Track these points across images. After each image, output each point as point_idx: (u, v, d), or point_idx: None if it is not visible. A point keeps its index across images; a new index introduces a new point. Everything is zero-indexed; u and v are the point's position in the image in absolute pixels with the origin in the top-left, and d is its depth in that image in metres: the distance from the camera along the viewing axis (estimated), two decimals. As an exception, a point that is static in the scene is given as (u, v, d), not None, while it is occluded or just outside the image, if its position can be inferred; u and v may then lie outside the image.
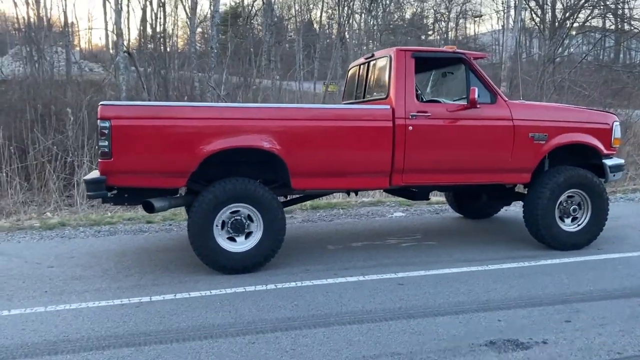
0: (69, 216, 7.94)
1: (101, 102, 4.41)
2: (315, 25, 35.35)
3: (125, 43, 25.73)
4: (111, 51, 21.39)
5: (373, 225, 6.84)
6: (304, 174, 4.80)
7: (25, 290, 4.33)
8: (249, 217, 4.71)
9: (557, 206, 5.40)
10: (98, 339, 3.40)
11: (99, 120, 4.34)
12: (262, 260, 4.73)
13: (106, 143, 4.34)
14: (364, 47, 26.74)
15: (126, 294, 4.22)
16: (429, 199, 5.82)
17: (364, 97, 5.85)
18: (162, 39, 24.06)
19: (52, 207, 9.25)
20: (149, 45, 23.61)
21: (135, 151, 4.39)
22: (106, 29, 24.16)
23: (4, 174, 10.25)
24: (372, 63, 5.75)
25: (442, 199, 8.12)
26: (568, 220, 5.51)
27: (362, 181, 5.07)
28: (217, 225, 4.63)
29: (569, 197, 5.48)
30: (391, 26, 31.30)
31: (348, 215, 7.58)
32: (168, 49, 23.44)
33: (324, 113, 4.90)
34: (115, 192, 4.80)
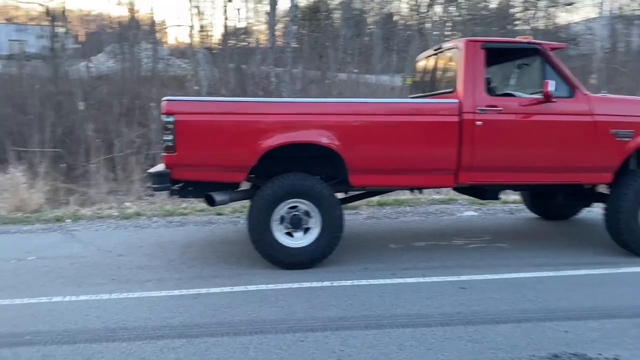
0: (146, 206, 8.31)
1: (165, 98, 4.53)
2: (395, 17, 34.80)
3: (207, 39, 26.65)
4: (194, 48, 22.17)
5: (440, 225, 6.60)
6: (363, 170, 4.69)
7: (94, 277, 4.55)
8: (307, 213, 4.68)
9: (641, 208, 4.94)
10: (154, 328, 3.50)
11: (163, 116, 4.47)
12: (319, 256, 4.69)
13: (170, 137, 4.45)
14: (445, 39, 25.98)
15: (186, 285, 4.33)
16: (498, 199, 5.51)
17: (431, 91, 5.63)
18: (243, 35, 24.67)
19: (134, 197, 9.73)
20: (230, 41, 24.30)
21: (198, 145, 4.48)
22: (191, 26, 25.06)
23: (93, 166, 10.92)
24: (440, 55, 5.52)
25: (518, 197, 7.69)
26: (655, 225, 5.02)
27: (426, 179, 4.88)
28: (275, 220, 4.63)
29: (657, 199, 4.98)
30: (475, 16, 30.19)
31: (415, 213, 7.37)
32: (250, 45, 24.01)
33: (384, 108, 4.75)
34: (181, 185, 4.94)
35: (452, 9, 27.04)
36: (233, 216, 7.13)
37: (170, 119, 4.43)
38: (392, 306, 3.86)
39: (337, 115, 4.61)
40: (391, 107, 4.76)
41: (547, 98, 4.67)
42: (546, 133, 4.81)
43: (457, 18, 27.74)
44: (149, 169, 11.25)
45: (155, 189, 4.56)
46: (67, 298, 4.06)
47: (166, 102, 4.49)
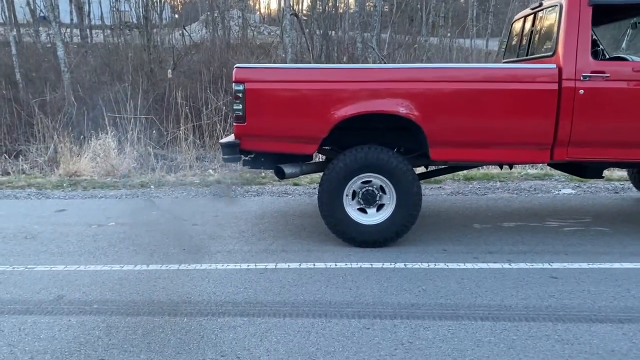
0: (228, 174, 8.38)
1: (236, 65, 4.36)
2: (491, -23, 32.59)
3: (298, 6, 26.47)
4: (282, 13, 22.10)
5: (533, 203, 6.03)
6: (445, 143, 4.28)
7: (167, 246, 4.56)
8: (381, 189, 4.37)
9: None
10: (217, 304, 3.40)
11: (233, 84, 4.30)
12: (393, 235, 4.38)
13: (240, 107, 4.29)
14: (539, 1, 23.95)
15: (254, 259, 4.21)
16: (602, 177, 4.88)
17: (527, 55, 5.04)
18: (331, 1, 24.22)
19: (218, 163, 9.88)
20: (319, 7, 23.97)
21: (267, 115, 4.29)
22: (279, -7, 24.97)
23: (181, 132, 11.20)
24: (539, 14, 4.89)
25: (625, 174, 6.88)
26: None
27: (516, 154, 4.38)
28: (347, 195, 4.37)
29: None
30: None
31: (505, 189, 6.81)
32: (339, 10, 23.58)
33: (470, 74, 4.26)
34: (252, 155, 4.80)
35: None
36: (309, 187, 6.96)
37: (241, 87, 4.25)
38: (471, 294, 3.50)
39: (417, 83, 4.21)
40: (478, 73, 4.26)
41: (669, 62, 3.98)
42: (665, 103, 4.12)
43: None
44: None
45: (225, 160, 4.44)
46: (138, 267, 4.08)
47: (236, 69, 4.32)
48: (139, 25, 17.84)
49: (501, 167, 5.49)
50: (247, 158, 4.78)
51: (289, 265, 4.05)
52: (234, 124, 4.38)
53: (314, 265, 4.06)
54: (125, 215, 5.67)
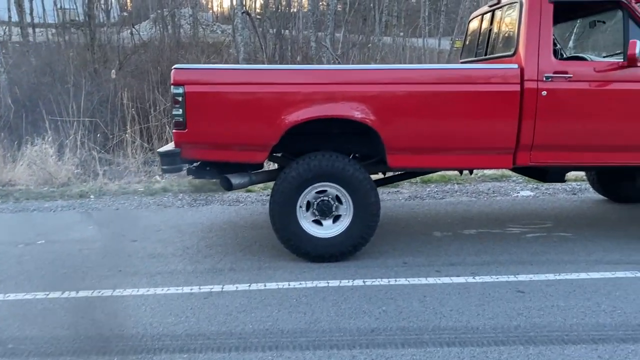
0: (175, 181, 7.88)
1: (175, 66, 3.95)
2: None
3: (249, 4, 25.92)
4: (234, 12, 21.55)
5: (492, 207, 5.85)
6: (403, 149, 4.01)
7: (100, 268, 4.10)
8: (338, 199, 4.05)
9: None
10: (153, 338, 2.99)
11: (172, 86, 3.89)
12: (351, 248, 4.07)
13: (180, 112, 3.89)
14: (496, -1, 24.33)
15: (199, 280, 3.82)
16: (564, 181, 4.72)
17: (486, 54, 4.83)
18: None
19: (168, 168, 9.34)
20: (272, 6, 23.54)
21: (211, 121, 3.90)
22: (231, -10, 24.39)
23: (128, 135, 10.59)
24: (497, 12, 4.69)
25: (582, 175, 6.81)
26: None
27: (478, 159, 4.15)
28: (301, 207, 4.04)
29: None
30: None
31: (464, 192, 6.62)
32: (292, 9, 23.22)
33: (429, 75, 3.99)
34: (197, 164, 4.40)
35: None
36: (263, 194, 6.58)
37: (180, 90, 3.85)
38: (435, 315, 3.22)
39: (373, 85, 3.91)
40: (437, 75, 3.99)
41: (632, 62, 3.82)
42: (628, 105, 3.97)
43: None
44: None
45: (165, 171, 4.03)
46: (66, 294, 3.62)
47: (175, 70, 3.91)
48: (83, 24, 17.01)
49: (461, 173, 5.27)
50: (191, 167, 4.37)
51: (237, 287, 3.68)
52: (174, 130, 3.97)
53: (265, 285, 3.70)
54: (58, 231, 5.15)
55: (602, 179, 5.85)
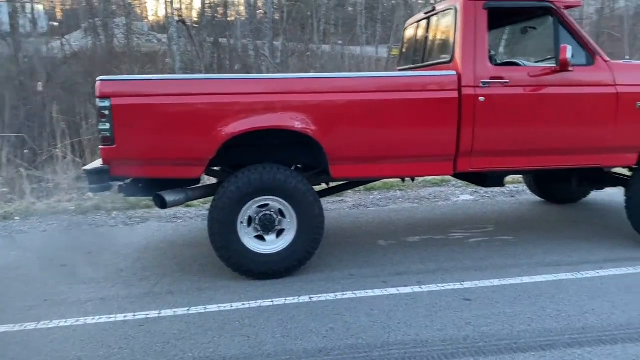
0: (109, 197, 7.47)
1: (99, 78, 3.69)
2: (378, -14, 33.55)
3: (185, 12, 25.37)
4: (169, 21, 21.00)
5: (435, 213, 5.87)
6: (346, 159, 3.91)
7: (24, 298, 3.76)
8: (281, 212, 3.91)
9: (671, 195, 4.24)
10: (82, 374, 2.74)
11: (97, 100, 3.63)
12: (296, 263, 3.93)
13: (107, 126, 3.63)
14: (430, 6, 24.99)
15: (133, 306, 3.56)
16: (504, 185, 4.78)
17: (423, 62, 4.83)
18: (221, 7, 23.51)
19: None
20: (208, 14, 23.15)
21: (141, 135, 3.66)
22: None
23: (58, 150, 10.03)
24: (433, 19, 4.70)
25: (519, 177, 6.97)
26: (686, 213, 4.33)
27: (419, 167, 4.11)
28: (242, 222, 3.86)
29: (688, 183, 4.29)
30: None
31: (406, 198, 6.63)
32: (230, 17, 22.92)
33: (368, 83, 3.92)
34: (129, 181, 4.14)
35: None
36: (203, 208, 6.33)
37: (106, 103, 3.59)
38: (383, 330, 3.13)
39: (313, 94, 3.79)
40: (377, 83, 3.92)
41: (564, 67, 3.89)
42: (562, 109, 4.06)
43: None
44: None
45: (92, 190, 3.75)
46: (-17, 330, 3.28)
47: (100, 82, 3.65)
48: (7, 34, 16.09)
49: (403, 180, 5.24)
50: (122, 184, 4.11)
51: (175, 312, 3.45)
52: (101, 146, 3.70)
53: (205, 308, 3.49)
54: (-24, 259, 4.72)
55: (538, 181, 6.00)
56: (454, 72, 3.98)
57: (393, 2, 31.52)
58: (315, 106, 3.79)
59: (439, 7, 4.55)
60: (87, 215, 6.31)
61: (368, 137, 3.88)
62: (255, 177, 3.79)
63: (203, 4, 23.74)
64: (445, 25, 4.36)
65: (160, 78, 3.97)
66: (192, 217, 6.05)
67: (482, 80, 3.98)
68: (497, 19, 4.37)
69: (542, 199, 6.20)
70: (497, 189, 6.87)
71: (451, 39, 4.14)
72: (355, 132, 3.85)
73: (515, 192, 6.76)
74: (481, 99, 3.97)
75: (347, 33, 24.25)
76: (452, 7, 4.19)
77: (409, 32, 5.35)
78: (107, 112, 3.59)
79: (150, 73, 14.99)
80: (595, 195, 6.25)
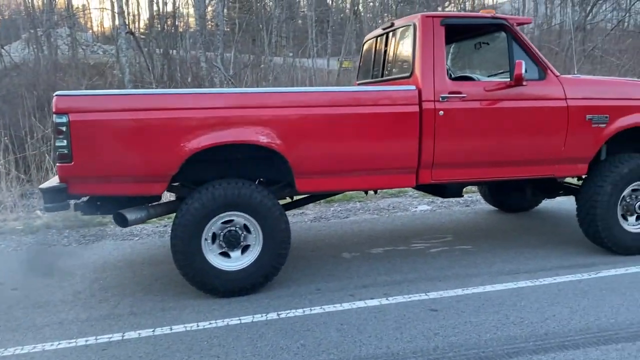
0: (59, 215, 7.18)
1: (56, 93, 3.56)
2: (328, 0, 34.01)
3: (135, 24, 24.89)
4: (117, 32, 20.51)
5: (395, 224, 5.95)
6: (311, 173, 3.92)
7: (-26, 326, 3.55)
8: (246, 228, 3.86)
9: (619, 202, 4.46)
10: (43, 404, 2.60)
11: (54, 115, 3.50)
12: (262, 279, 3.89)
13: (64, 143, 3.50)
14: (379, 20, 25.52)
15: (95, 329, 3.42)
16: (462, 196, 4.91)
17: (382, 76, 4.91)
18: (170, 19, 23.18)
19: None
20: (157, 25, 22.76)
21: (100, 152, 3.55)
22: (112, 9, 23.33)
23: (1, 166, 9.58)
24: (391, 34, 4.79)
25: (474, 188, 7.17)
26: (632, 219, 4.57)
27: (382, 180, 4.17)
28: (206, 239, 3.79)
29: (633, 191, 4.53)
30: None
31: (366, 209, 6.69)
32: (179, 29, 22.61)
33: (333, 98, 3.95)
34: (86, 198, 4.00)
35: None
36: (159, 225, 6.19)
37: (63, 119, 3.47)
38: (354, 344, 3.13)
39: (278, 109, 3.79)
40: (341, 97, 3.96)
41: (518, 81, 4.05)
42: (517, 122, 4.21)
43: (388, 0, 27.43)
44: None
45: (48, 209, 3.59)
46: None
47: (57, 98, 3.52)
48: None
49: (366, 193, 5.30)
50: (78, 202, 3.97)
51: (139, 334, 3.34)
52: (58, 164, 3.56)
53: (171, 329, 3.39)
54: None
55: (493, 191, 6.19)
56: (414, 87, 4.07)
57: (342, 15, 32.04)
58: (280, 120, 3.78)
59: (397, 23, 4.65)
60: (37, 235, 6.04)
61: (333, 150, 3.90)
62: (220, 192, 3.73)
63: (152, 14, 23.38)
64: (404, 41, 4.46)
65: (120, 93, 3.86)
66: (148, 234, 5.89)
67: (442, 95, 4.08)
68: (453, 35, 4.51)
69: (496, 208, 6.40)
70: (452, 199, 7.03)
71: (410, 55, 4.23)
72: (320, 146, 3.87)
73: (470, 201, 6.94)
74: (441, 112, 4.08)
75: (299, 46, 24.42)
76: (410, 23, 4.30)
77: (367, 47, 5.43)
78: (64, 129, 3.47)
79: (99, 86, 14.60)
80: (544, 204, 6.50)
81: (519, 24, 4.38)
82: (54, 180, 3.88)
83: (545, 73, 4.29)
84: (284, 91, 4.04)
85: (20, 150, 10.34)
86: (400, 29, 4.55)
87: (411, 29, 4.27)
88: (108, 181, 3.63)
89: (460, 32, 4.67)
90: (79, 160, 3.52)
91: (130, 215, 3.75)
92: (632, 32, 21.44)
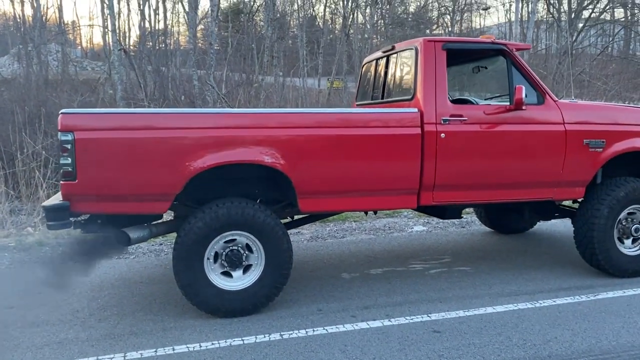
0: (52, 233, 7.10)
1: (62, 110, 3.56)
2: (318, 21, 34.44)
3: (125, 41, 24.93)
4: (110, 49, 20.54)
5: (392, 244, 5.97)
6: (314, 193, 3.93)
7: (-30, 345, 3.48)
8: (248, 247, 3.86)
9: (615, 225, 4.53)
10: None
11: (59, 133, 3.49)
12: (264, 299, 3.87)
13: (69, 160, 3.48)
14: (369, 42, 25.84)
15: (95, 350, 3.37)
16: (461, 217, 4.95)
17: (382, 98, 4.97)
18: (161, 37, 23.29)
19: (39, 217, 8.43)
20: (148, 43, 22.84)
21: (105, 170, 3.54)
22: (104, 27, 23.40)
23: (-10, 182, 9.46)
24: (392, 57, 4.87)
25: (469, 209, 7.22)
26: (628, 242, 4.64)
27: (384, 201, 4.19)
28: (208, 259, 3.77)
29: (629, 214, 4.60)
30: (396, 20, 30.38)
31: (362, 230, 6.71)
32: (169, 47, 22.71)
33: (338, 119, 4.00)
34: (86, 216, 3.97)
35: (375, 12, 27.03)
36: (155, 243, 6.13)
37: (69, 137, 3.46)
38: (359, 366, 3.12)
39: (283, 129, 3.81)
40: (347, 118, 4.01)
41: (518, 105, 4.12)
42: (516, 145, 4.27)
43: (379, 22, 27.85)
44: (57, 184, 9.96)
45: (51, 227, 3.56)
46: None
47: (62, 115, 3.51)
48: None
49: (366, 213, 5.31)
50: (78, 220, 3.93)
51: (141, 354, 3.30)
52: (62, 181, 3.54)
53: (174, 349, 3.36)
54: None
55: (489, 213, 6.24)
56: (416, 110, 4.12)
57: (331, 36, 32.41)
58: (284, 141, 3.81)
59: (398, 47, 4.73)
60: (30, 252, 5.95)
61: (336, 171, 3.92)
62: (223, 211, 3.73)
63: (143, 32, 23.47)
64: (405, 64, 4.53)
65: (127, 112, 3.87)
66: (144, 252, 5.84)
67: (443, 118, 4.14)
68: (454, 58, 4.59)
69: (491, 230, 6.45)
70: (448, 221, 7.07)
71: (412, 78, 4.30)
72: (324, 167, 3.89)
73: (465, 222, 6.99)
74: (442, 135, 4.13)
75: (289, 66, 24.62)
76: (412, 47, 4.37)
77: (367, 69, 5.50)
78: (69, 147, 3.45)
79: (90, 102, 14.55)
80: (538, 226, 6.56)
81: (518, 49, 4.47)
82: (56, 198, 3.85)
83: (543, 98, 4.37)
84: (288, 112, 4.07)
85: (10, 166, 10.24)
86: (402, 52, 4.62)
87: (413, 52, 4.34)
88: (112, 199, 3.61)
89: (459, 56, 4.75)
90: (83, 178, 3.50)
91: (133, 234, 3.73)
92: (616, 58, 21.97)
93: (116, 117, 3.70)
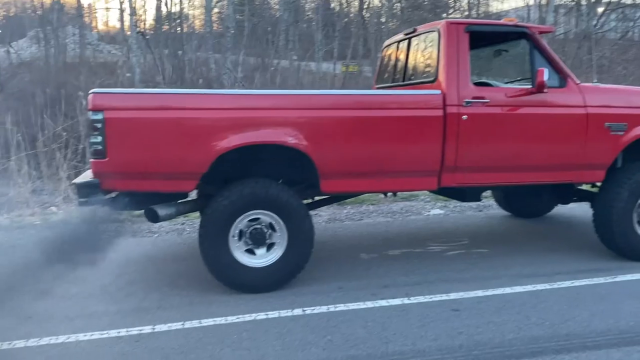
0: (75, 211, 7.26)
1: (93, 90, 3.66)
2: (333, 4, 34.19)
3: (141, 24, 25.03)
4: (127, 32, 20.65)
5: (409, 227, 6.03)
6: (335, 174, 4.00)
7: (6, 317, 3.62)
8: (271, 226, 3.95)
9: (635, 209, 4.54)
10: (83, 392, 2.68)
11: (90, 112, 3.59)
12: (286, 276, 3.98)
13: (99, 139, 3.59)
14: (386, 25, 25.65)
15: (125, 322, 3.50)
16: (480, 200, 4.99)
17: (403, 81, 5.00)
18: (178, 20, 23.33)
19: (61, 197, 8.61)
20: (165, 26, 22.91)
21: (134, 149, 3.64)
22: (121, 9, 23.45)
23: (13, 162, 9.66)
24: (414, 40, 4.88)
25: (487, 193, 7.24)
26: (647, 226, 4.65)
27: (405, 182, 4.25)
28: (233, 236, 3.87)
29: (649, 198, 4.61)
30: (413, 4, 30.06)
31: (379, 212, 6.77)
32: (184, 30, 22.75)
33: (363, 100, 4.05)
34: (115, 194, 4.08)
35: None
36: (177, 222, 6.25)
37: (99, 116, 3.55)
38: (380, 340, 3.21)
39: (306, 110, 3.88)
40: (371, 100, 4.06)
41: (540, 88, 4.14)
42: (538, 128, 4.29)
43: (395, 6, 27.56)
44: (77, 164, 10.13)
45: (82, 204, 3.69)
46: (-34, 350, 3.15)
47: (93, 95, 3.61)
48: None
49: (385, 195, 5.38)
50: (106, 197, 4.04)
51: (169, 327, 3.42)
52: (92, 159, 3.66)
53: (200, 322, 3.48)
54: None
55: (508, 196, 6.26)
56: (439, 92, 4.15)
57: (347, 20, 32.16)
58: (307, 122, 3.87)
59: (420, 29, 4.74)
60: (56, 230, 6.10)
61: (358, 152, 3.98)
62: (248, 191, 3.82)
63: (159, 15, 23.51)
64: (427, 47, 4.54)
65: (155, 92, 3.96)
66: (167, 231, 5.97)
67: (465, 100, 4.17)
68: (476, 41, 4.59)
69: (509, 213, 6.47)
70: (465, 204, 7.10)
71: (435, 60, 4.32)
72: (346, 148, 3.96)
73: (483, 206, 7.01)
74: (464, 117, 4.16)
75: (305, 49, 24.52)
76: (435, 29, 4.39)
77: (387, 52, 5.52)
78: (99, 125, 3.55)
79: (110, 84, 14.70)
80: (556, 210, 6.57)
81: (541, 32, 4.46)
82: (86, 175, 3.97)
83: (565, 81, 4.37)
84: (312, 93, 4.12)
85: (32, 147, 10.44)
86: (424, 35, 4.64)
87: (435, 34, 4.36)
88: (140, 177, 3.72)
89: (481, 39, 4.75)
90: (113, 156, 3.60)
91: (162, 211, 3.84)
92: (637, 43, 21.57)
93: (145, 97, 3.80)
